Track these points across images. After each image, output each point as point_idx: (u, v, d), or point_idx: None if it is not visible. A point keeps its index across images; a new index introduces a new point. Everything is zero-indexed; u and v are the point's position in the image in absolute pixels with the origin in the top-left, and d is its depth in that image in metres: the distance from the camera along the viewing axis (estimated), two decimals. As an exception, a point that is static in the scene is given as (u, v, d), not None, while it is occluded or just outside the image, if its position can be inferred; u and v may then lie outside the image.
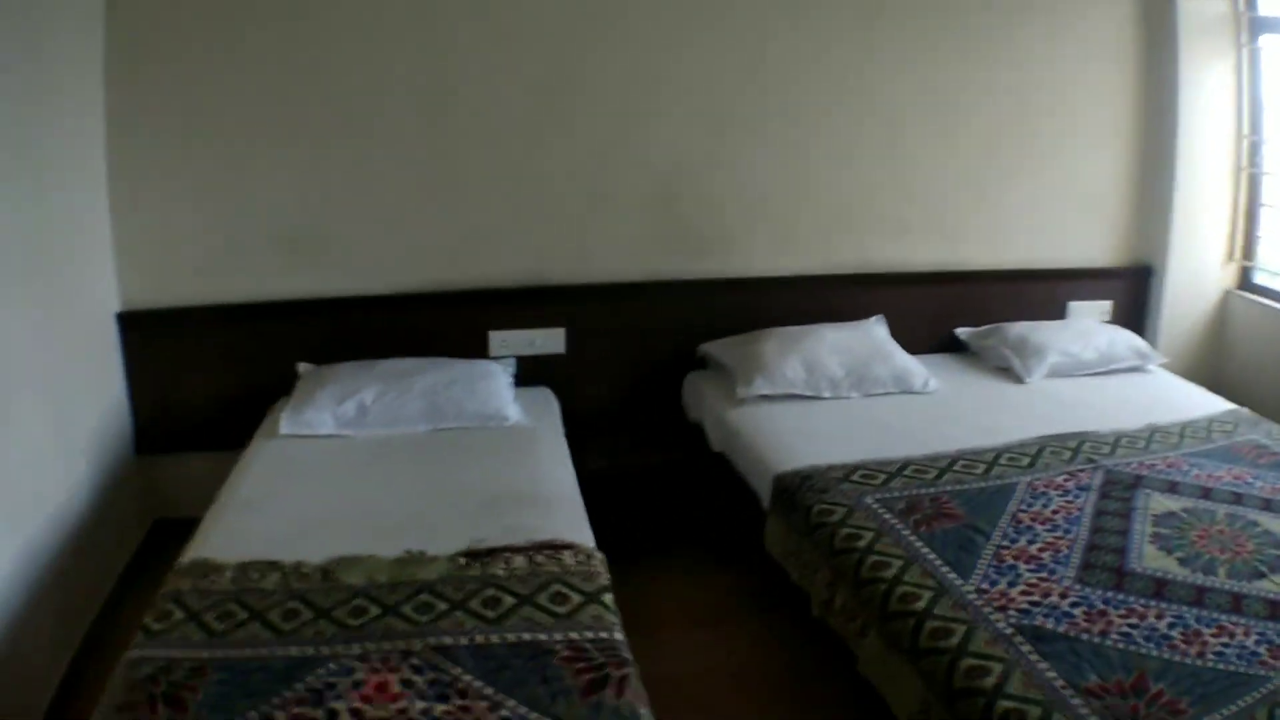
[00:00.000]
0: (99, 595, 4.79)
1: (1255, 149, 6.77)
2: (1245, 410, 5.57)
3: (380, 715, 2.73)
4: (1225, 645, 3.30)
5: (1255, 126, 6.72)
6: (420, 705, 2.76)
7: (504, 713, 2.74)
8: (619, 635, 3.21)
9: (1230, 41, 6.58)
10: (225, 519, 4.01)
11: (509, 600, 3.32)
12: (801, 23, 5.87)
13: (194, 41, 5.15)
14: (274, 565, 3.54)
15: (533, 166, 5.69)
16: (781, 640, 4.59)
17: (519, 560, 3.58)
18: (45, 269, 4.42)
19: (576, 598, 3.36)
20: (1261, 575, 3.74)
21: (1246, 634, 3.36)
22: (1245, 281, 7.03)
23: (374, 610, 3.27)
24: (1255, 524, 4.14)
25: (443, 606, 3.29)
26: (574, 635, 3.15)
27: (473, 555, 3.61)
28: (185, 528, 4.16)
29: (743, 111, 5.90)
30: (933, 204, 6.39)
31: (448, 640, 3.10)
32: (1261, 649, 3.28)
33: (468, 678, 2.89)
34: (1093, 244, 6.83)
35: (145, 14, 5.05)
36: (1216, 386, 6.20)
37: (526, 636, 3.14)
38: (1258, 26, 6.56)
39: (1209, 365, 6.97)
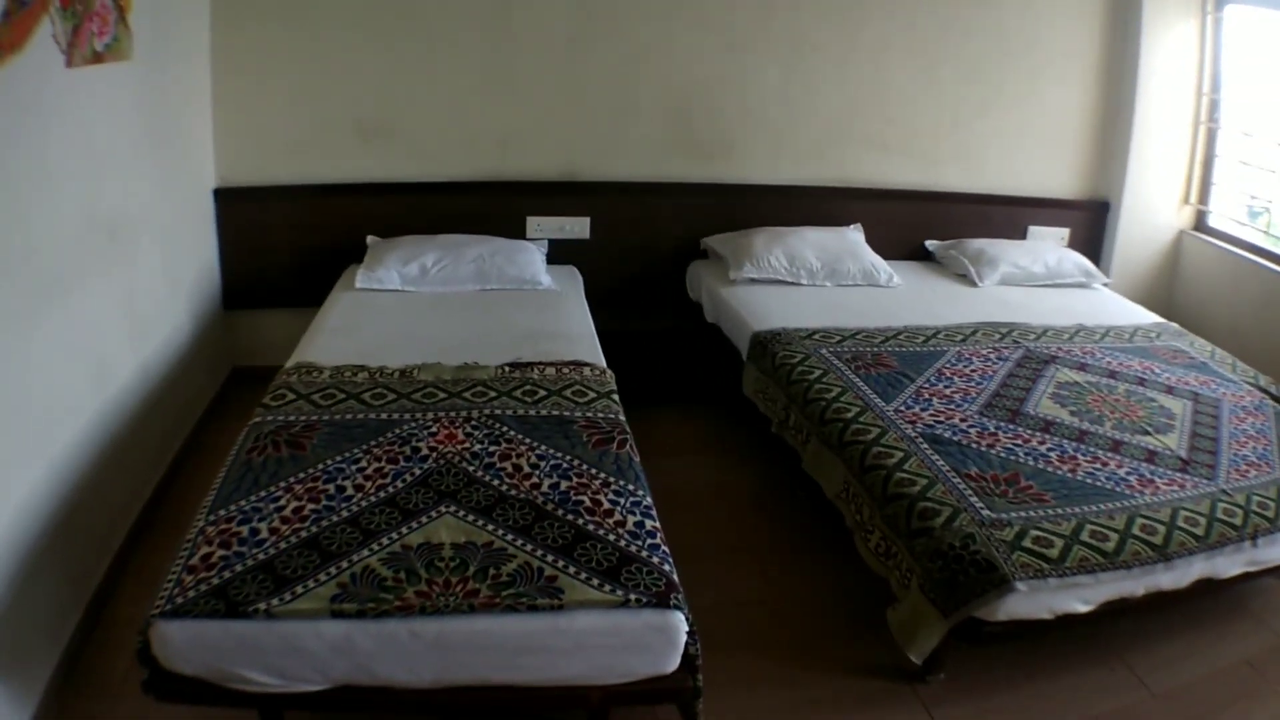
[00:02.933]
0: (190, 419, 5.64)
1: (1214, 106, 7.34)
2: (1175, 324, 6.21)
3: (450, 450, 3.75)
4: (1097, 469, 4.12)
5: (1215, 86, 7.29)
6: (478, 446, 3.80)
7: (538, 451, 3.78)
8: (622, 418, 4.19)
9: (1196, 7, 7.15)
10: (318, 341, 4.93)
11: (542, 393, 4.32)
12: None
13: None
14: (362, 368, 4.51)
15: (570, 76, 6.44)
16: (751, 461, 5.65)
17: (550, 370, 4.58)
18: (161, 148, 5.17)
19: (592, 394, 4.36)
20: (1146, 433, 4.52)
21: (1119, 466, 4.17)
22: (1200, 224, 7.63)
23: (441, 395, 4.26)
24: (1153, 400, 4.91)
25: (493, 394, 4.28)
26: (589, 415, 4.16)
27: (514, 366, 4.59)
28: (259, 374, 5.08)
29: (750, 37, 6.59)
30: (912, 129, 7.07)
31: (498, 411, 4.11)
32: (1131, 478, 4.07)
33: (512, 432, 3.93)
34: (1055, 176, 7.49)
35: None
36: (1167, 314, 6.78)
37: (555, 413, 4.15)
38: (1223, -1, 7.15)
39: (1161, 297, 7.59)
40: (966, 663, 3.88)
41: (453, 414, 4.07)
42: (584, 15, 6.35)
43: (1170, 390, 5.06)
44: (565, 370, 4.60)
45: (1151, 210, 7.52)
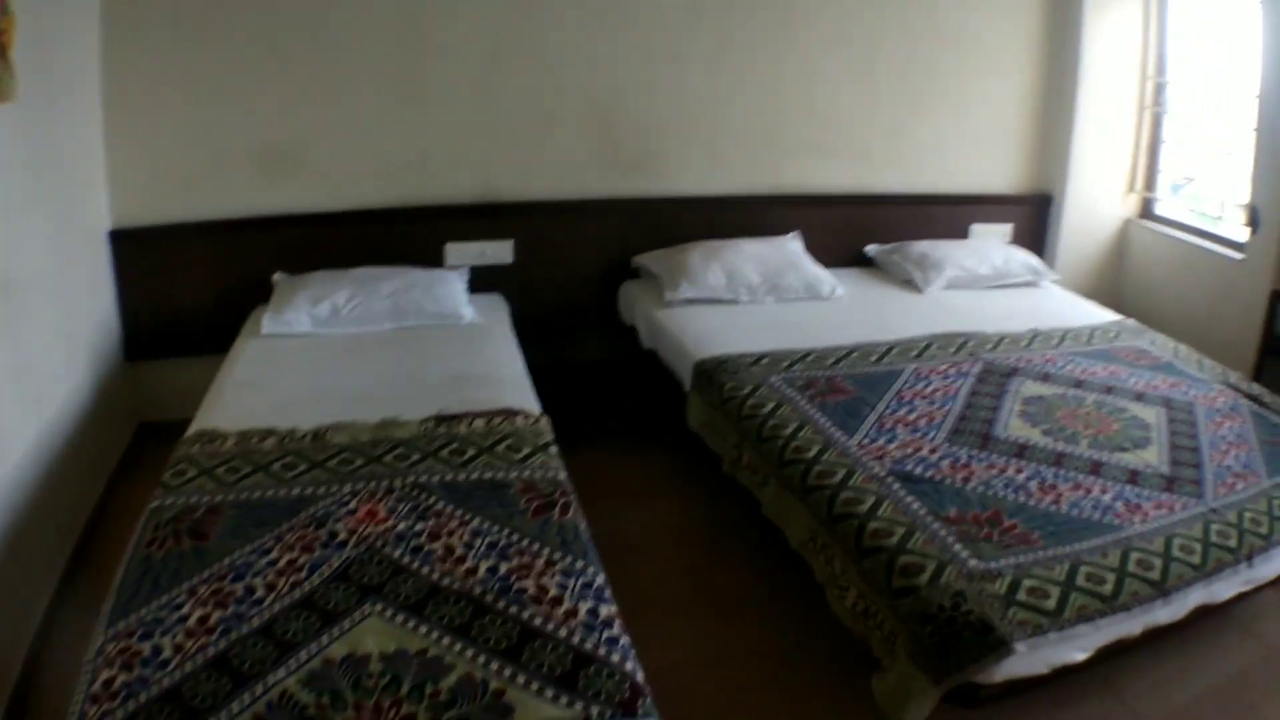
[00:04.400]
0: (96, 485, 5.24)
1: (1160, 89, 7.18)
2: (1132, 321, 6.04)
3: (373, 532, 3.35)
4: (1081, 498, 3.85)
5: (1161, 68, 7.13)
6: (404, 524, 3.40)
7: (472, 526, 3.38)
8: (563, 475, 3.82)
9: None
10: (222, 399, 4.53)
11: (472, 450, 3.94)
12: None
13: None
14: (270, 431, 4.10)
15: (486, 92, 6.09)
16: (702, 502, 5.26)
17: (479, 423, 4.19)
18: (48, 191, 4.78)
19: (528, 449, 3.98)
20: (1125, 450, 4.27)
21: (1104, 491, 3.91)
22: (1146, 211, 7.47)
23: (360, 460, 3.86)
24: (1124, 410, 4.68)
25: (417, 456, 3.89)
26: (526, 475, 3.77)
27: (439, 419, 4.21)
28: (168, 429, 4.64)
29: (675, 42, 6.31)
30: (848, 132, 6.84)
31: (424, 479, 3.72)
32: (1118, 504, 3.81)
33: (441, 504, 3.53)
34: (996, 172, 7.32)
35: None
36: (1116, 306, 6.65)
37: (488, 475, 3.76)
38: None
39: (1109, 289, 7.45)
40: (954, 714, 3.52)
41: (372, 485, 3.68)
42: (498, 26, 6.03)
43: (1140, 397, 4.86)
44: (496, 421, 4.23)
45: (1095, 200, 7.41)
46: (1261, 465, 4.26)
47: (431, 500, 3.56)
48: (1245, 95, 6.49)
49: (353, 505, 3.52)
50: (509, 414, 4.31)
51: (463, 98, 6.09)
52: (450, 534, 3.35)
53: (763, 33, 6.46)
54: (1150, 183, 7.41)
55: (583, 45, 6.19)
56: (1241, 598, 3.93)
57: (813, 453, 4.12)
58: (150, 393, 6.04)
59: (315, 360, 5.04)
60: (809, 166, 6.83)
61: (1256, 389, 5.08)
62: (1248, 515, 3.86)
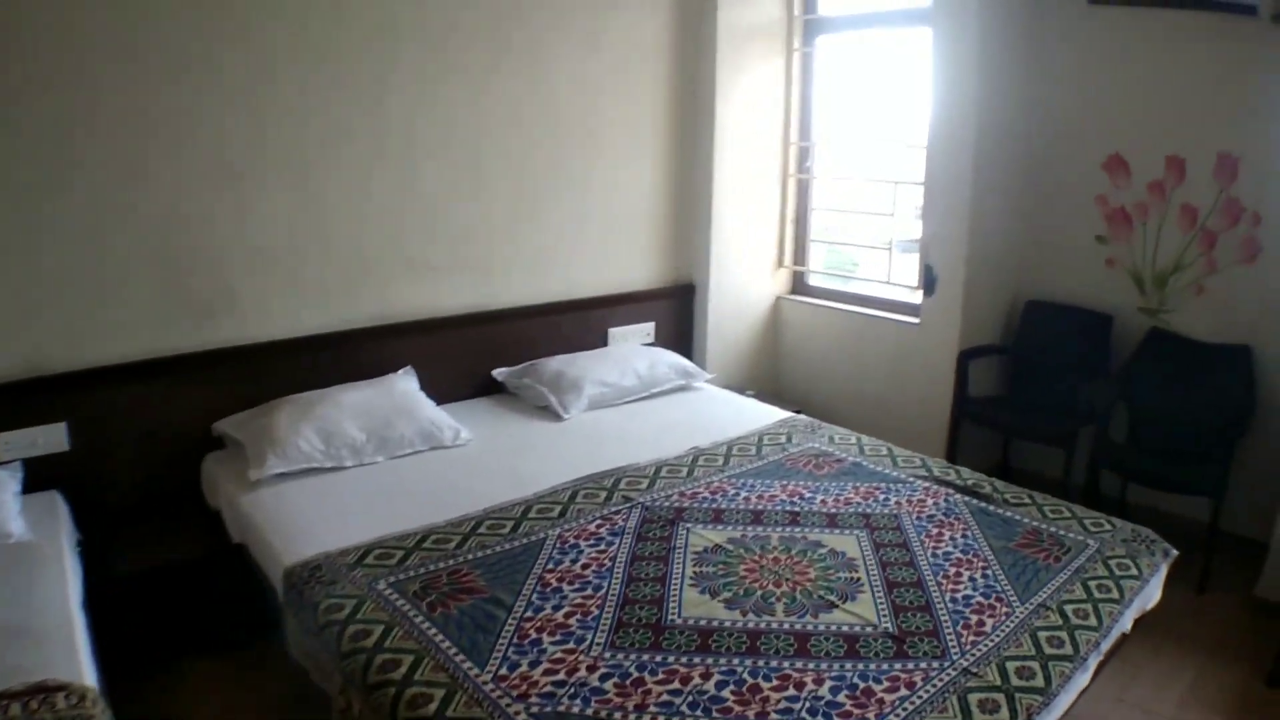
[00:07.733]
0: None
1: (805, 154, 6.95)
2: (802, 417, 5.60)
3: None
4: (793, 700, 3.01)
5: (805, 132, 6.90)
6: None
7: None
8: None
9: (780, 47, 6.72)
10: None
11: (-3, 757, 2.89)
12: (302, 66, 5.39)
13: None
14: None
15: (13, 241, 4.89)
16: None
17: (15, 708, 3.11)
18: None
19: (64, 746, 2.92)
20: (832, 606, 3.52)
21: (819, 680, 3.10)
22: (800, 285, 7.23)
23: None
24: (819, 544, 3.99)
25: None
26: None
27: (-32, 709, 3.13)
28: None
29: (239, 159, 5.31)
30: (460, 244, 6.10)
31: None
32: (840, 697, 3.01)
33: None
34: (633, 267, 6.81)
35: None
36: (778, 393, 6.47)
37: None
38: (814, 29, 6.70)
39: (767, 374, 7.13)
40: None
41: None
42: (12, 157, 4.80)
43: (833, 521, 4.21)
44: (34, 705, 3.12)
45: (742, 283, 7.13)
46: (1007, 584, 3.71)
47: None
48: (910, 150, 6.49)
49: None
50: (47, 693, 3.20)
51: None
52: None
53: (344, 138, 5.57)
54: (800, 255, 7.19)
55: (133, 166, 5.07)
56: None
57: (434, 705, 3.02)
58: None
59: None
60: (417, 288, 6.00)
61: (969, 477, 4.61)
62: (1011, 666, 3.18)
